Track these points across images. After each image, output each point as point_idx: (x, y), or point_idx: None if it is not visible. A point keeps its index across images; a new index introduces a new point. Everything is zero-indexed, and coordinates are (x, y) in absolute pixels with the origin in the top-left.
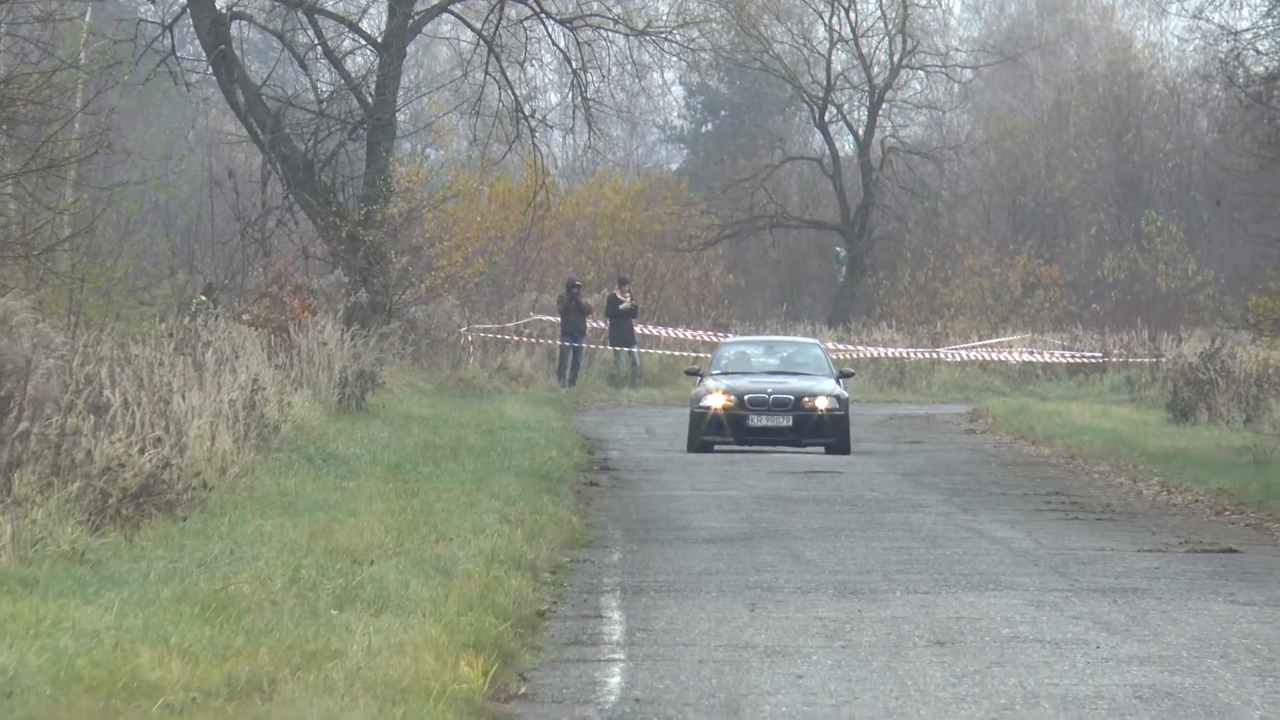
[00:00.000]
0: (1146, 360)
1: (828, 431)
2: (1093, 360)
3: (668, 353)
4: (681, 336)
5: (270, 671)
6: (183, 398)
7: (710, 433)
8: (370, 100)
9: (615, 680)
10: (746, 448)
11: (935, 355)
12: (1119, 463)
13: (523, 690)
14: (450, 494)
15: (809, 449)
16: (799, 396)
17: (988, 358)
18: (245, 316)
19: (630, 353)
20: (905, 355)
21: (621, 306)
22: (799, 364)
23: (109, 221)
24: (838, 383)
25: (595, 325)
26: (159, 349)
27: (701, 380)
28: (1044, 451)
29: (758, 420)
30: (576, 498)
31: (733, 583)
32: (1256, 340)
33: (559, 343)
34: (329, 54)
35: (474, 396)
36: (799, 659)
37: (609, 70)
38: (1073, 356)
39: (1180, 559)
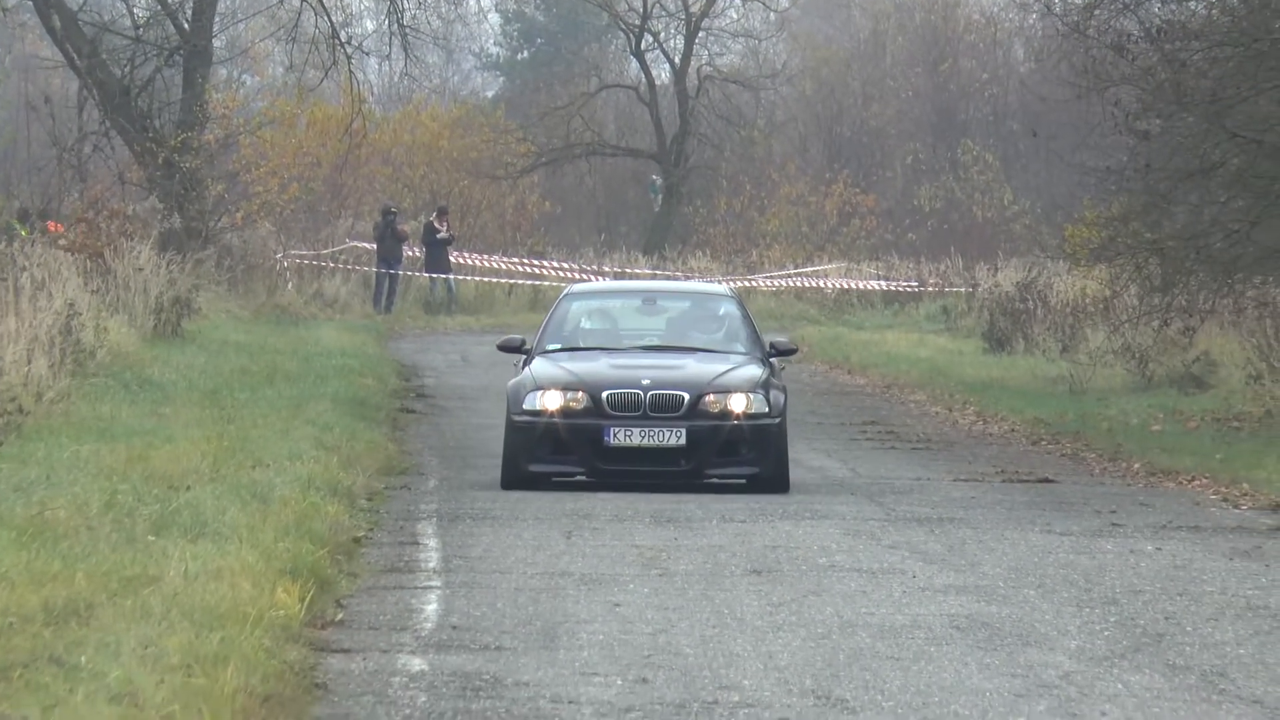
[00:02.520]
0: (962, 290)
1: (748, 453)
2: (908, 289)
3: (483, 280)
4: (497, 265)
5: (87, 597)
6: None
7: (542, 457)
8: (186, 26)
9: (432, 607)
10: (606, 480)
11: (751, 283)
12: (935, 392)
13: (340, 617)
14: (266, 420)
15: (716, 482)
16: (698, 393)
17: (803, 285)
18: (61, 242)
19: (446, 280)
20: (721, 283)
21: (439, 235)
22: (698, 332)
23: None
24: (765, 366)
25: (411, 253)
26: None
27: (526, 363)
28: (859, 381)
29: (625, 435)
30: (392, 425)
31: (549, 510)
32: (1073, 270)
33: (375, 270)
34: None
35: (290, 323)
36: (615, 587)
37: None
38: (888, 285)
39: (997, 489)
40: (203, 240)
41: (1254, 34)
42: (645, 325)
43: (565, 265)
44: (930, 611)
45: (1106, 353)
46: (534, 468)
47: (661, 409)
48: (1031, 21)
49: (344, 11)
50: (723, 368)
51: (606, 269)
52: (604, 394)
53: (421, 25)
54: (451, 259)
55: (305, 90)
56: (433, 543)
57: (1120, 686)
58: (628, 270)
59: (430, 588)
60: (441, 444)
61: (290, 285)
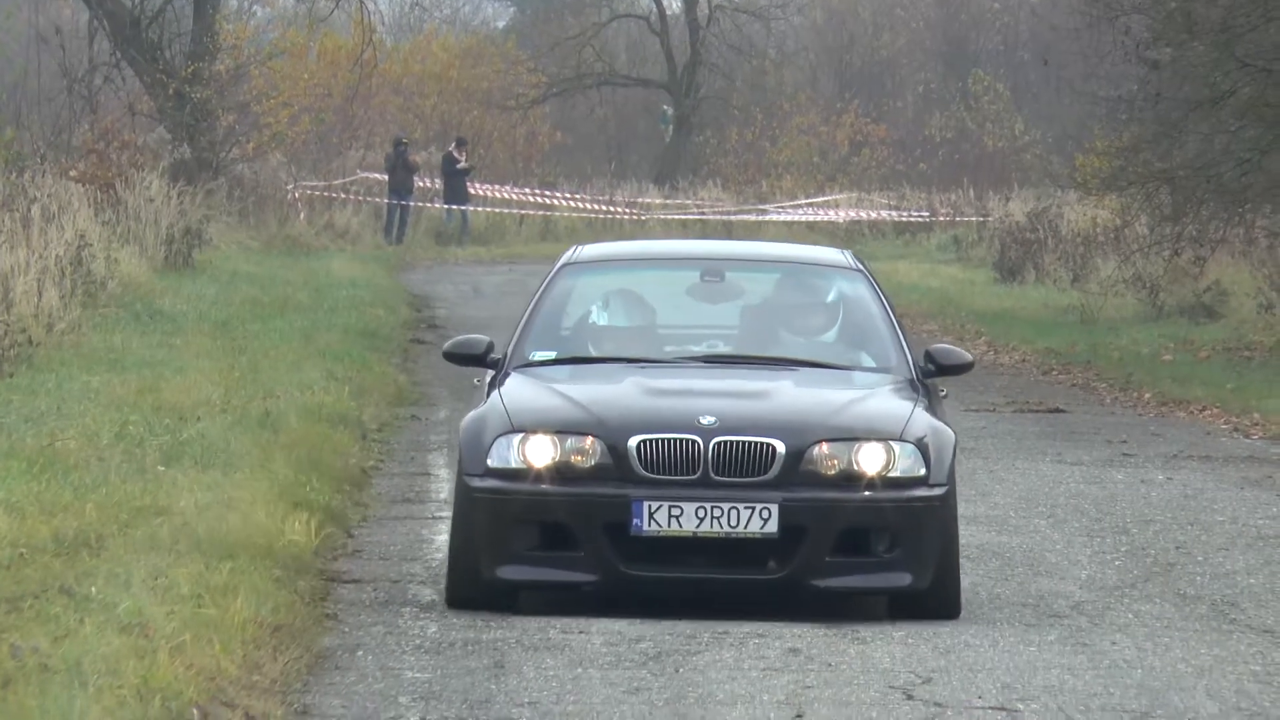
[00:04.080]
0: (974, 219)
1: (890, 550)
2: (919, 219)
3: (495, 210)
4: (508, 196)
5: (98, 527)
6: (9, 253)
7: (520, 553)
8: None
9: (443, 538)
10: (632, 592)
11: (763, 214)
12: (946, 322)
13: (350, 547)
14: (277, 351)
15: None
16: (801, 442)
17: (815, 217)
18: (72, 173)
19: (462, 211)
20: (732, 217)
21: (459, 166)
22: (795, 333)
23: None
24: (919, 390)
25: (423, 183)
26: None
27: (496, 382)
28: None
29: (669, 517)
30: (404, 356)
31: None
32: (1083, 199)
33: (386, 201)
34: None
35: (301, 254)
36: None
37: None
38: (899, 215)
39: (1008, 419)
40: (213, 171)
41: None
42: (704, 318)
43: (577, 195)
44: None
45: (1117, 282)
46: (505, 573)
47: (736, 469)
48: None
49: None
50: (845, 395)
51: (619, 198)
52: (631, 441)
53: None
54: (469, 190)
55: (316, 21)
56: (443, 473)
57: (1131, 616)
58: (639, 201)
59: (441, 518)
60: (451, 375)
61: (301, 216)
